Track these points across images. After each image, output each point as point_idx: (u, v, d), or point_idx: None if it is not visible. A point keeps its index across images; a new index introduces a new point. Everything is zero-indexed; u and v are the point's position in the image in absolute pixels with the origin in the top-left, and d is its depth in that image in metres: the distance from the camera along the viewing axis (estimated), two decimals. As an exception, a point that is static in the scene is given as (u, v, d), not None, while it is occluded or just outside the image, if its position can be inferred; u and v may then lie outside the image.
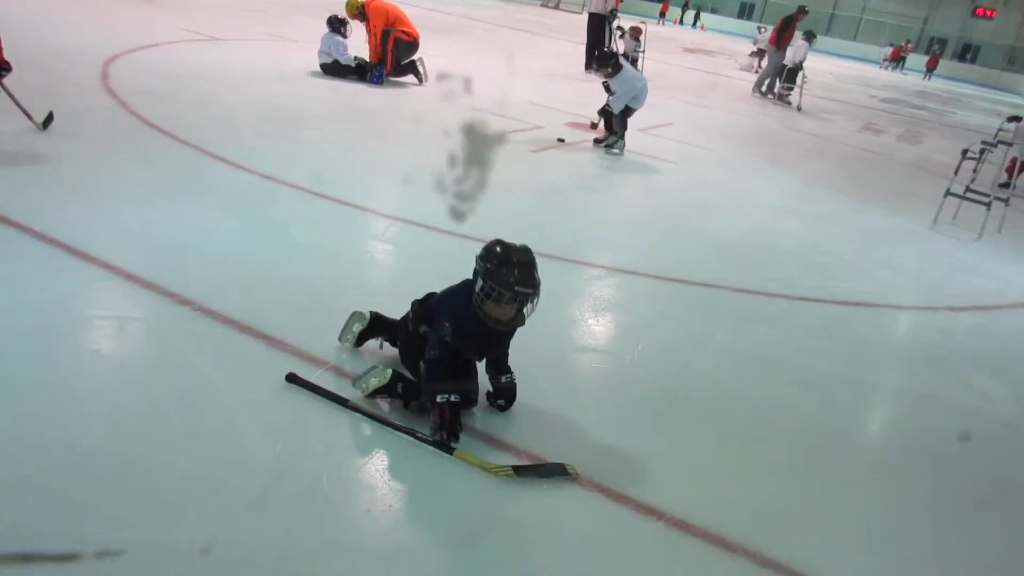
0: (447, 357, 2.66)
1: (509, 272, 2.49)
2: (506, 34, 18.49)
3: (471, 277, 2.63)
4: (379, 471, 2.42)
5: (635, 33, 13.86)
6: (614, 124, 7.60)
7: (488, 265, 2.52)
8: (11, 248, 3.50)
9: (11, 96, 4.88)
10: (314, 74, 8.66)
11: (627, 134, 7.58)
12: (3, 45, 4.67)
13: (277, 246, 4.10)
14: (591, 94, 8.78)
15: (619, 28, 13.61)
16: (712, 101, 13.25)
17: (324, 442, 2.52)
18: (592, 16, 13.32)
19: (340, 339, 3.08)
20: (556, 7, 31.39)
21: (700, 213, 6.29)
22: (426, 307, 2.81)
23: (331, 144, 6.33)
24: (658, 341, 3.74)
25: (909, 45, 35.41)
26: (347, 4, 8.89)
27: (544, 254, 2.78)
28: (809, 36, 14.56)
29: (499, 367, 2.82)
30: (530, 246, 2.60)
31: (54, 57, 7.08)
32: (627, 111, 7.49)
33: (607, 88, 7.54)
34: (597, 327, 3.81)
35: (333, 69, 8.72)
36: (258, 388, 2.72)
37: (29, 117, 4.96)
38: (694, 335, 3.91)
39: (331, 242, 4.34)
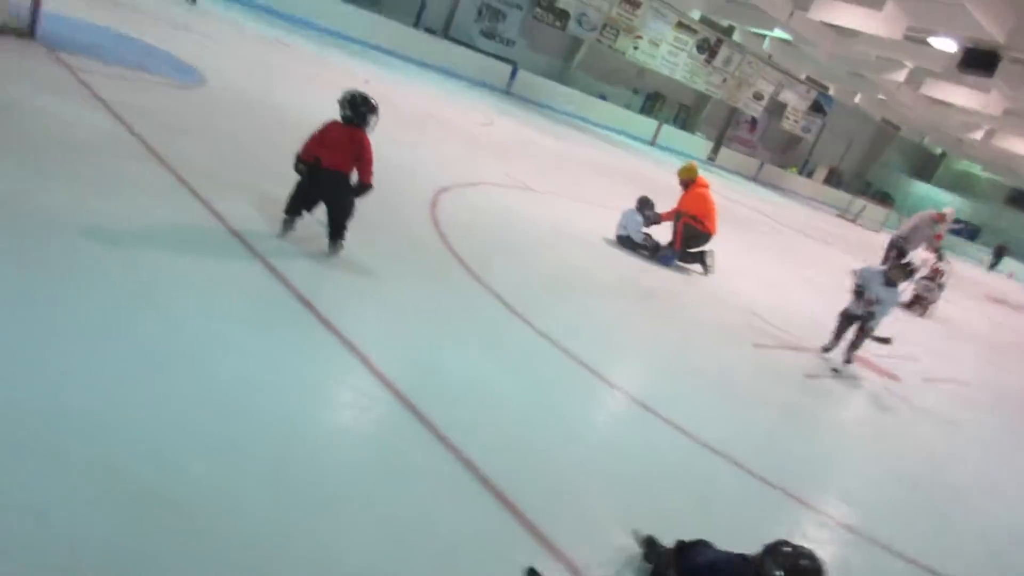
0: None
1: None
2: (796, 239, 18.28)
3: (744, 555, 2.46)
4: None
5: (935, 275, 12.92)
6: (859, 338, 7.23)
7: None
8: (304, 332, 3.98)
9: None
10: (609, 242, 9.08)
11: (914, 389, 7.04)
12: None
13: (542, 412, 4.23)
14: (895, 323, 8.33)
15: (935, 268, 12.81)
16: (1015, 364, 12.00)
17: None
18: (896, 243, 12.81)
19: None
20: (854, 220, 30.62)
21: (978, 496, 5.58)
22: (689, 564, 2.66)
23: (613, 319, 6.52)
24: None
25: None
26: (686, 168, 9.39)
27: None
28: None
29: None
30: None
31: (401, 176, 8.08)
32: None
33: (868, 299, 7.18)
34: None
35: (627, 242, 9.09)
36: (493, 563, 2.74)
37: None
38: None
39: (588, 420, 4.40)
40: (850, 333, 7.32)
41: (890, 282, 7.18)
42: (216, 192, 5.42)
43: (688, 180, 9.26)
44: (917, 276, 12.55)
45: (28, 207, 4.16)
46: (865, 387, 7.17)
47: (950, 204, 41.34)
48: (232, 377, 3.36)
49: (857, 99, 33.42)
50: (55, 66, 7.01)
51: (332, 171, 4.99)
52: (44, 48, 7.37)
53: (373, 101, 5.09)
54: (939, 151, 42.82)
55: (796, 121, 35.23)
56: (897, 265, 7.32)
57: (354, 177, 5.09)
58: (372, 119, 5.07)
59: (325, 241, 5.15)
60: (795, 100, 34.28)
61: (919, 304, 12.54)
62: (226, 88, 9.29)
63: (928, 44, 20.07)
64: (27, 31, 7.41)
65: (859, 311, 7.23)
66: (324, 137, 5.00)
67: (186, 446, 2.79)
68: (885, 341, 7.41)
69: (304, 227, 5.24)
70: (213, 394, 3.18)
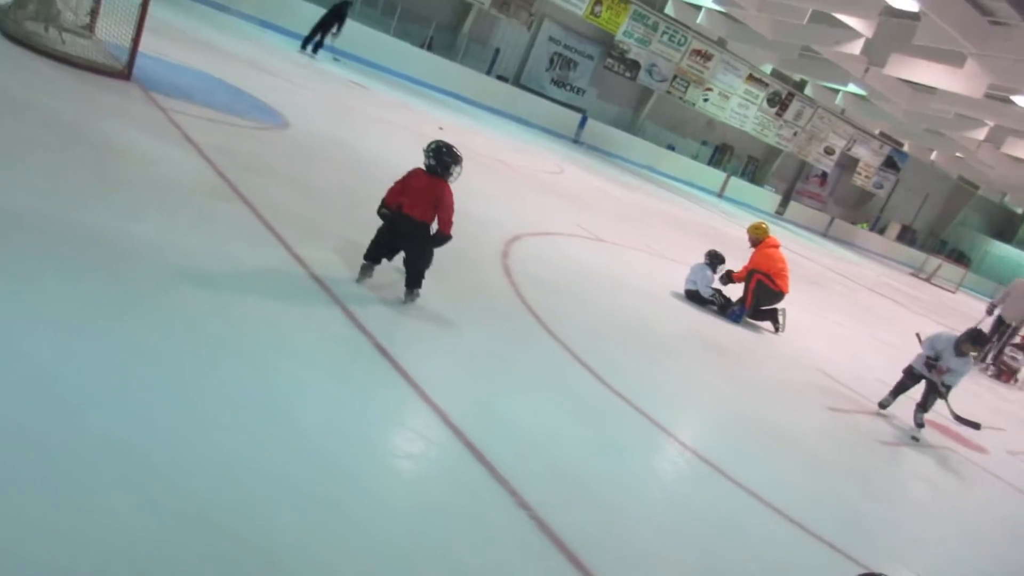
0: None
1: None
2: (868, 297, 17.81)
3: None
4: None
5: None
6: (928, 402, 7.07)
7: None
8: (380, 379, 4.03)
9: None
10: (677, 296, 8.98)
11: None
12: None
13: (611, 467, 4.17)
14: (969, 396, 8.02)
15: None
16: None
17: None
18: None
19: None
20: (928, 279, 29.73)
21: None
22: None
23: (682, 375, 6.43)
24: None
25: None
26: (755, 227, 9.29)
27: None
28: None
29: None
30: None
31: (473, 224, 8.17)
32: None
33: (941, 368, 7.00)
34: None
35: (695, 296, 8.98)
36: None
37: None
38: None
39: (657, 477, 4.31)
40: (916, 393, 7.10)
41: (961, 352, 6.97)
42: (297, 235, 5.55)
43: (758, 239, 9.15)
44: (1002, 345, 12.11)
45: (120, 243, 4.32)
46: (946, 457, 6.87)
47: (1031, 266, 39.97)
48: (314, 424, 3.40)
49: (933, 156, 32.71)
50: (149, 107, 7.33)
51: (412, 219, 5.06)
52: (140, 88, 7.72)
53: (457, 151, 5.14)
54: (1021, 211, 41.43)
55: (868, 176, 34.64)
56: (969, 336, 7.09)
57: (434, 227, 5.15)
58: (455, 169, 5.11)
59: (402, 288, 5.21)
60: (868, 155, 33.75)
61: (1006, 372, 12.05)
62: (308, 132, 9.58)
63: (1011, 103, 19.56)
64: (124, 72, 7.78)
65: (927, 373, 7.06)
66: (407, 185, 5.08)
67: (272, 494, 2.82)
68: (974, 426, 7.17)
69: (383, 273, 5.31)
70: (297, 441, 3.22)
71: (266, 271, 4.86)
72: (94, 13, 8.20)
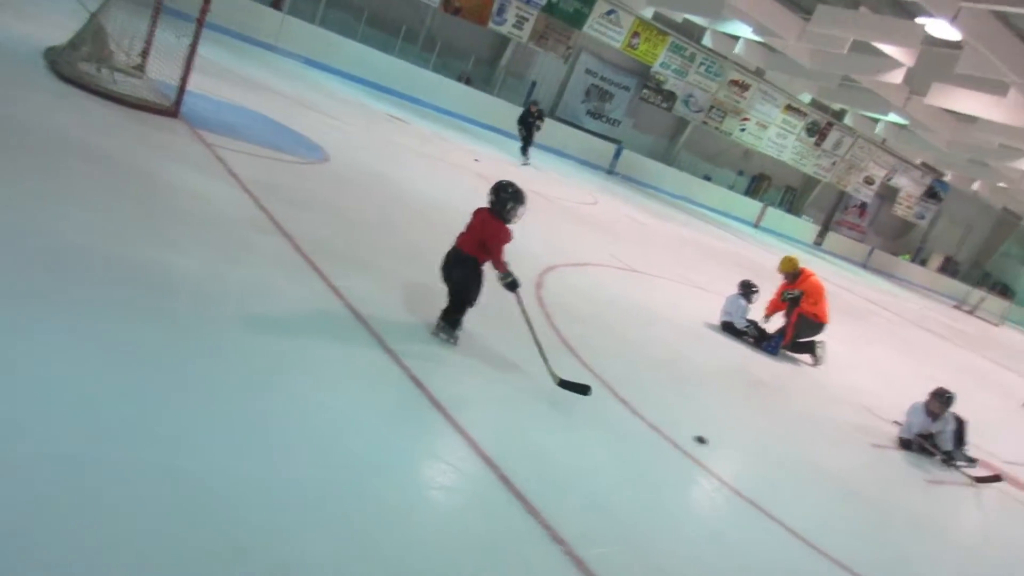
0: None
1: None
2: (909, 330, 17.48)
3: None
4: None
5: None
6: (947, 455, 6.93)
7: None
8: (417, 415, 4.07)
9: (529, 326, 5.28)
10: (712, 327, 8.92)
11: None
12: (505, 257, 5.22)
13: (649, 504, 4.14)
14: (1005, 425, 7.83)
15: None
16: None
17: None
18: None
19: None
20: (971, 312, 29.08)
21: None
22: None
23: (720, 409, 6.37)
24: None
25: None
26: (786, 260, 9.09)
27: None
28: None
29: None
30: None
31: (508, 255, 8.21)
32: None
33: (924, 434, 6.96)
34: None
35: (731, 328, 8.91)
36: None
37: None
38: None
39: (695, 514, 4.27)
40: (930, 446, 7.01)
41: (933, 413, 6.90)
42: (336, 268, 5.66)
43: (794, 273, 8.96)
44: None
45: (164, 273, 4.46)
46: (994, 497, 6.70)
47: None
48: (350, 456, 3.46)
49: (975, 186, 32.13)
50: (195, 143, 7.55)
51: (455, 249, 5.14)
52: (187, 125, 7.96)
53: (517, 189, 5.12)
54: (1065, 242, 40.42)
55: (909, 207, 34.09)
56: (933, 396, 6.97)
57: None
58: (512, 206, 5.09)
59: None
60: (909, 185, 33.26)
61: None
62: (349, 166, 9.77)
63: (1056, 133, 19.20)
64: (172, 109, 8.04)
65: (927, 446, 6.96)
66: (470, 222, 5.16)
67: (307, 523, 2.87)
68: (996, 479, 6.92)
69: (418, 308, 5.37)
70: (332, 472, 3.27)
71: (304, 302, 4.95)
72: (145, 53, 8.50)
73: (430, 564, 2.96)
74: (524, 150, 17.62)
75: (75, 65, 7.79)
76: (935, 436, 6.90)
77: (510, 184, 5.15)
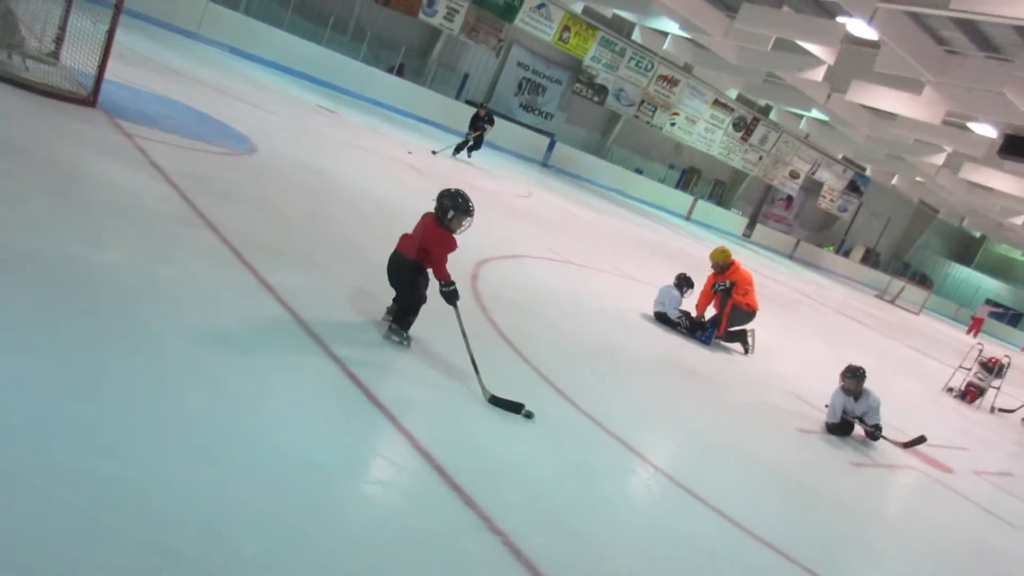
0: None
1: None
2: (835, 319, 18.06)
3: None
4: None
5: (992, 365, 12.54)
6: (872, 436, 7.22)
7: None
8: (349, 407, 3.97)
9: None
10: (646, 318, 9.03)
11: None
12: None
13: (584, 492, 4.15)
14: (944, 412, 8.14)
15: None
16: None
17: None
18: None
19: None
20: (892, 301, 30.22)
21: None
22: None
23: (654, 398, 6.45)
24: None
25: None
26: (719, 251, 9.28)
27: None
28: None
29: None
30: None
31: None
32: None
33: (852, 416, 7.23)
34: None
35: (664, 319, 9.04)
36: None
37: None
38: None
39: (630, 502, 4.30)
40: (860, 431, 7.27)
41: (851, 392, 7.15)
42: (267, 262, 5.51)
43: (725, 264, 9.16)
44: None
45: (83, 270, 4.26)
46: (914, 477, 6.96)
47: (990, 289, 40.85)
48: (281, 451, 3.36)
49: (895, 180, 33.36)
50: (115, 133, 7.25)
51: (396, 253, 5.09)
52: (105, 115, 7.64)
53: (462, 199, 5.03)
54: (979, 235, 42.36)
55: (832, 200, 35.23)
56: (846, 374, 7.23)
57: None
58: (452, 214, 4.98)
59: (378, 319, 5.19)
60: (832, 179, 34.35)
61: (971, 394, 12.23)
62: (277, 157, 9.54)
63: (968, 129, 20.05)
64: (90, 98, 7.70)
65: (854, 422, 7.23)
66: (416, 224, 5.08)
67: (237, 523, 2.77)
68: (921, 440, 7.29)
69: (352, 303, 5.27)
70: (261, 469, 3.17)
71: (231, 296, 4.81)
72: (59, 40, 8.11)
73: (367, 560, 2.90)
74: (461, 148, 17.32)
75: (-17, 51, 7.39)
76: (864, 416, 7.11)
77: (458, 193, 5.06)
